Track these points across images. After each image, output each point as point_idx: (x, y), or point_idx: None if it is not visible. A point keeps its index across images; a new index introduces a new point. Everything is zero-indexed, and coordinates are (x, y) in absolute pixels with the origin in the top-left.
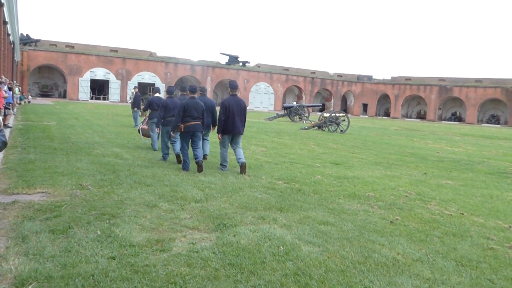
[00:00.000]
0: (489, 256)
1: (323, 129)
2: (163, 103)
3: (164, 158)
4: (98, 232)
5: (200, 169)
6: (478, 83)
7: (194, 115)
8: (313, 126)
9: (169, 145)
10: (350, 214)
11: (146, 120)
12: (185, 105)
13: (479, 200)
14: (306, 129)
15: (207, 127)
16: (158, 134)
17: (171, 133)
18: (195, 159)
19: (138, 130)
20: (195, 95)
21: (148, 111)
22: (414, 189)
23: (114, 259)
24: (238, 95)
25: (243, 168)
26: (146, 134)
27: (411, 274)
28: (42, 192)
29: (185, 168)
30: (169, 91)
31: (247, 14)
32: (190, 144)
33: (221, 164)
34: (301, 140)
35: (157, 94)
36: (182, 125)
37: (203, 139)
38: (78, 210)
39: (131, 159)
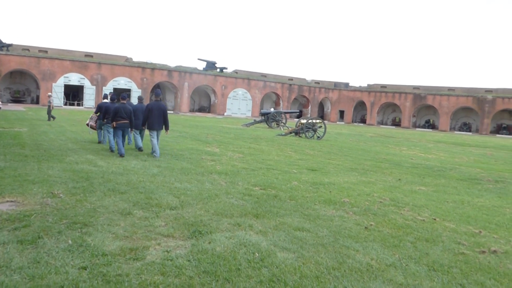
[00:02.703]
0: (460, 261)
1: (300, 135)
2: (105, 107)
3: (112, 149)
4: (69, 241)
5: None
6: (451, 91)
7: (123, 116)
8: (290, 133)
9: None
10: (325, 220)
11: (95, 118)
12: (116, 108)
13: (451, 206)
14: (283, 135)
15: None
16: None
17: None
18: (115, 147)
19: (87, 124)
20: (125, 101)
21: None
22: (388, 195)
23: (86, 269)
24: (161, 100)
25: (141, 150)
26: (93, 128)
27: (385, 279)
28: (11, 201)
29: (120, 153)
30: (112, 98)
31: (225, 20)
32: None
33: (152, 152)
34: (278, 146)
35: (105, 100)
36: (115, 123)
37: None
38: (49, 219)
39: (105, 166)
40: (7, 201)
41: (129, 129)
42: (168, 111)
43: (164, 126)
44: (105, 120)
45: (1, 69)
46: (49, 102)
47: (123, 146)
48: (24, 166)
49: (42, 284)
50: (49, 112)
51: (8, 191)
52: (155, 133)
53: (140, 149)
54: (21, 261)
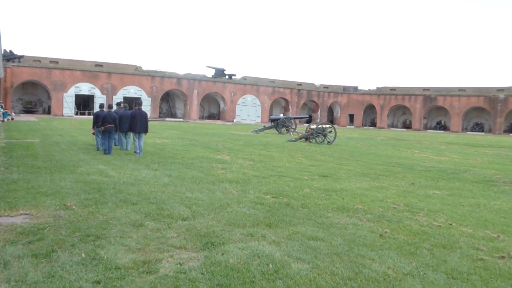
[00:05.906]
0: (479, 268)
1: (310, 140)
2: (97, 114)
3: (98, 148)
4: (83, 254)
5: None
6: (461, 92)
7: (109, 121)
8: (300, 138)
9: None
10: (339, 228)
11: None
12: (104, 116)
13: (467, 209)
14: (293, 141)
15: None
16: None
17: (100, 129)
18: (104, 148)
19: (93, 133)
20: (111, 109)
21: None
22: (402, 200)
23: (99, 283)
24: (143, 108)
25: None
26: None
27: None
28: (25, 214)
29: (105, 152)
30: (107, 106)
31: (233, 27)
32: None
33: (134, 152)
34: (289, 153)
35: (100, 109)
36: (103, 127)
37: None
38: (62, 232)
39: (116, 177)
40: (21, 214)
41: (114, 131)
42: (178, 119)
43: (144, 130)
44: (95, 126)
45: (13, 81)
46: None
47: (111, 147)
48: (37, 178)
49: None
50: None
51: (22, 204)
52: (137, 135)
53: (125, 149)
54: (36, 275)
